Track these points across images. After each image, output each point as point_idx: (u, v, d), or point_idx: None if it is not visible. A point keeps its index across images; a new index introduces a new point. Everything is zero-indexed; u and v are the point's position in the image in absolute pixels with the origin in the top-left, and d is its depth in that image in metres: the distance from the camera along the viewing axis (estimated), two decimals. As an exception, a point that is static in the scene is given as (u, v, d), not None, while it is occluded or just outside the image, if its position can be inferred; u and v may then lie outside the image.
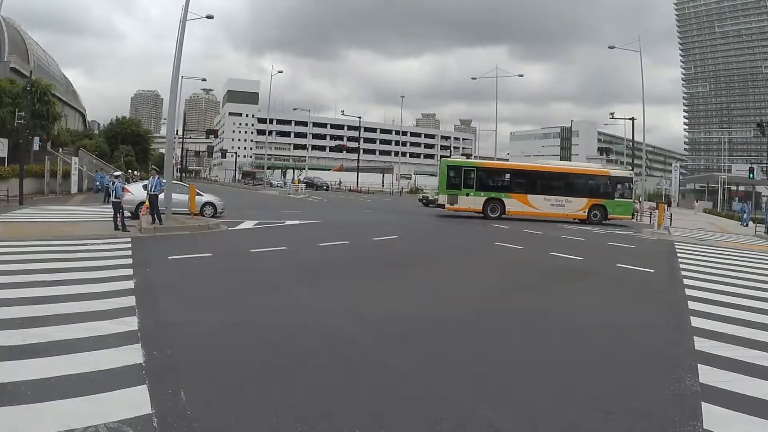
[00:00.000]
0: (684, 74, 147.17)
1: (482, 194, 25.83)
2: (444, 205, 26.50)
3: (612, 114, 56.65)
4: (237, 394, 4.27)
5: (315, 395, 4.32)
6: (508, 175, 27.01)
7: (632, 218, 26.59)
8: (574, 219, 25.96)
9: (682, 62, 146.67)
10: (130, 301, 7.05)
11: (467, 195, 25.86)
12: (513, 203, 25.68)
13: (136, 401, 3.99)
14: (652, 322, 7.42)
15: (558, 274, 11.22)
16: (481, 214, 25.83)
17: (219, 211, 20.65)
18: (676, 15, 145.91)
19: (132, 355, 5.01)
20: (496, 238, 17.58)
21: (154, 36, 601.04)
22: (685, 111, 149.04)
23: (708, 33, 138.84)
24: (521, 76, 76.87)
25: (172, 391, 4.23)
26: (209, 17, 28.01)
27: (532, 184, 26.09)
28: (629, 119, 46.40)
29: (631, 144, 56.90)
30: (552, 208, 25.46)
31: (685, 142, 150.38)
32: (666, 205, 29.98)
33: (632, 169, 38.22)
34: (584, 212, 25.72)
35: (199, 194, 20.76)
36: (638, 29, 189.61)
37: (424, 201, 38.38)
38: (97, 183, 33.67)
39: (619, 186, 26.30)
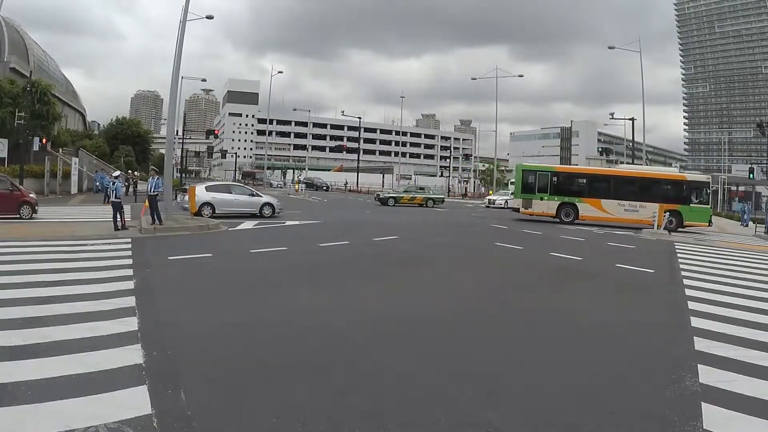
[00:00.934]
0: (684, 74, 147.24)
1: (556, 198, 25.60)
2: (519, 208, 26.53)
3: (612, 114, 56.60)
4: (237, 394, 4.27)
5: (315, 395, 4.32)
6: (582, 180, 26.65)
7: (709, 225, 25.06)
8: (651, 225, 24.50)
9: (682, 62, 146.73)
10: (130, 301, 7.05)
11: (541, 199, 25.71)
12: (586, 208, 25.31)
13: (136, 401, 3.99)
14: (652, 322, 7.42)
15: (558, 275, 11.21)
16: (555, 219, 25.52)
17: (277, 211, 21.76)
18: (676, 15, 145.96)
19: (132, 355, 5.01)
20: (496, 238, 17.58)
21: (154, 36, 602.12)
22: (685, 111, 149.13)
23: (708, 33, 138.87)
24: (521, 76, 77.10)
25: (172, 391, 4.23)
26: (209, 17, 28.03)
27: (605, 189, 25.59)
28: (629, 119, 46.44)
29: (631, 144, 56.93)
30: (626, 213, 24.80)
31: (685, 142, 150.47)
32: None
33: None
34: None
35: (258, 195, 22.52)
36: (638, 29, 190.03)
37: (379, 200, 37.95)
38: (97, 183, 33.68)
39: (695, 191, 25.08)
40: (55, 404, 3.90)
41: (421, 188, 46.16)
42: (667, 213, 23.05)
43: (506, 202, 42.22)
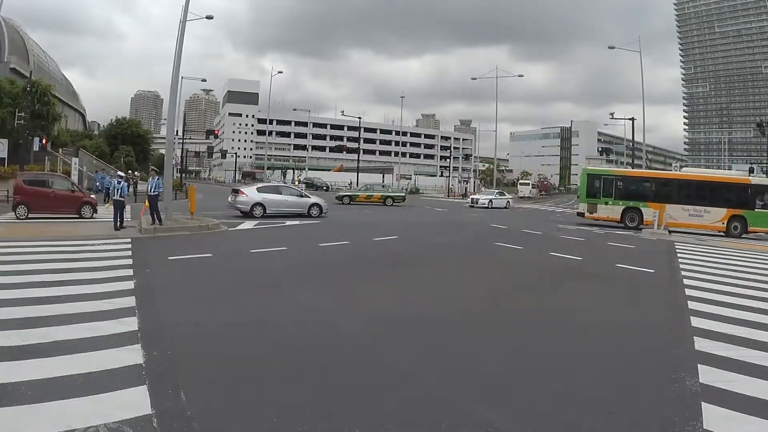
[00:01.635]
0: (684, 74, 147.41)
1: (620, 203, 25.40)
2: (584, 213, 26.41)
3: (612, 114, 56.76)
4: (237, 394, 4.27)
5: (315, 395, 4.32)
6: (646, 184, 26.26)
7: None
8: (719, 231, 23.97)
9: (682, 62, 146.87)
10: (130, 301, 7.05)
11: (606, 204, 25.56)
12: (651, 213, 24.54)
13: (136, 401, 3.99)
14: (652, 322, 7.42)
15: (558, 274, 11.21)
16: (620, 224, 25.23)
17: (324, 212, 22.67)
18: (676, 15, 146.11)
19: (132, 355, 5.01)
20: (496, 238, 17.58)
21: (154, 36, 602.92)
22: (685, 111, 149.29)
23: (708, 33, 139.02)
24: (521, 76, 77.24)
25: (172, 391, 4.23)
26: (209, 17, 28.02)
27: (670, 194, 24.98)
28: (629, 119, 46.53)
29: (631, 144, 56.94)
30: (690, 218, 24.23)
31: (685, 142, 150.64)
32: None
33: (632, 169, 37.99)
34: (723, 223, 23.95)
35: (306, 196, 23.32)
36: (638, 29, 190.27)
37: (339, 199, 36.57)
38: (97, 183, 33.64)
39: (760, 195, 24.13)
40: (55, 404, 3.89)
41: (383, 186, 45.82)
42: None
43: (490, 201, 41.73)
